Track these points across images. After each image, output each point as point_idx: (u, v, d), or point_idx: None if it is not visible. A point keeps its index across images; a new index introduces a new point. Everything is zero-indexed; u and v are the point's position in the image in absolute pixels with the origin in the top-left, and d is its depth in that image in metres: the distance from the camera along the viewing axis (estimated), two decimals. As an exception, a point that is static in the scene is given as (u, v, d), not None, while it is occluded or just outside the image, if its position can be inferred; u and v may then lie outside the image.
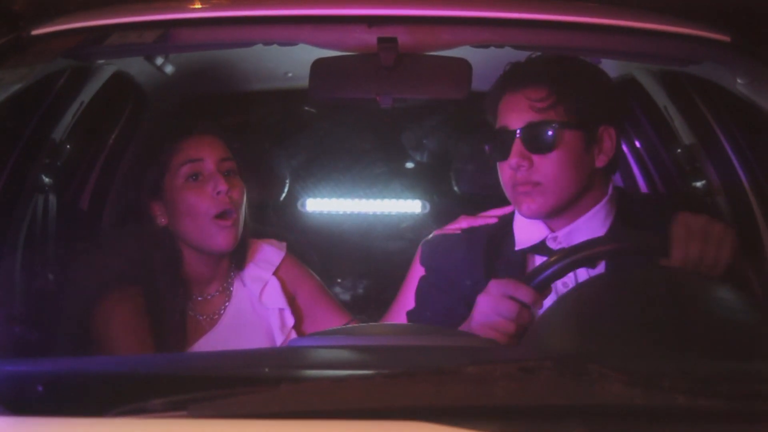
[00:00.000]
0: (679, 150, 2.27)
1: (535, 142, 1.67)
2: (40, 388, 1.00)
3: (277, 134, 2.72)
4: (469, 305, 1.51)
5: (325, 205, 2.84)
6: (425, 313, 1.77)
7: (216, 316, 1.99)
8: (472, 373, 0.95)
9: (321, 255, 2.23)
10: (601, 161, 1.72)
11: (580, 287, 1.38)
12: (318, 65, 1.80)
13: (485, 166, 2.26)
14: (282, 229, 2.23)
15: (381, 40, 1.69)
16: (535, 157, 1.67)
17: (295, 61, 2.25)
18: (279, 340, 1.96)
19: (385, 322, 1.85)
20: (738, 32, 1.81)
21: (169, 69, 2.34)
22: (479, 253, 1.77)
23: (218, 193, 1.88)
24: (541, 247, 1.74)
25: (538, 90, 1.68)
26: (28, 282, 1.95)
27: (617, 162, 1.79)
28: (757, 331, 1.26)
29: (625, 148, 2.55)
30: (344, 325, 2.05)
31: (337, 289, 2.62)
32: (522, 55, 1.88)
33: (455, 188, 2.39)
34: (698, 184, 2.22)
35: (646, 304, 1.27)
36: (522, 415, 0.93)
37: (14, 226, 1.96)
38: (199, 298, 1.99)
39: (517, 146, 1.67)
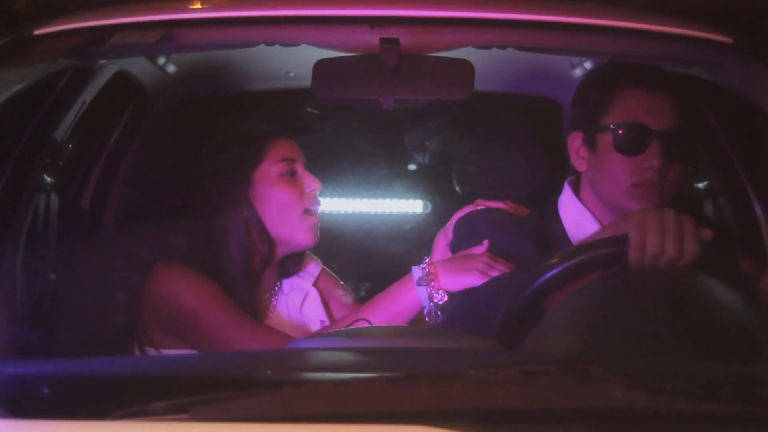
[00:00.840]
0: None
1: (674, 147, 1.69)
2: (45, 390, 1.00)
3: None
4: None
5: (326, 204, 2.84)
6: None
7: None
8: (475, 376, 0.94)
9: (323, 255, 2.23)
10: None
11: (580, 290, 1.38)
12: (320, 66, 1.80)
13: (487, 167, 2.27)
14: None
15: (383, 41, 1.69)
16: (668, 162, 1.70)
17: (297, 61, 2.25)
18: None
19: (387, 325, 1.84)
20: (740, 34, 1.81)
21: (171, 69, 2.33)
22: (529, 232, 1.79)
23: (311, 190, 1.99)
24: None
25: (677, 99, 1.71)
26: (30, 282, 1.95)
27: None
28: (760, 334, 1.26)
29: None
30: (354, 320, 2.07)
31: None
32: (523, 56, 1.88)
33: (457, 189, 2.39)
34: (698, 184, 2.22)
35: (648, 307, 1.27)
36: (524, 419, 0.93)
37: (16, 226, 1.96)
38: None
39: (657, 147, 1.69)
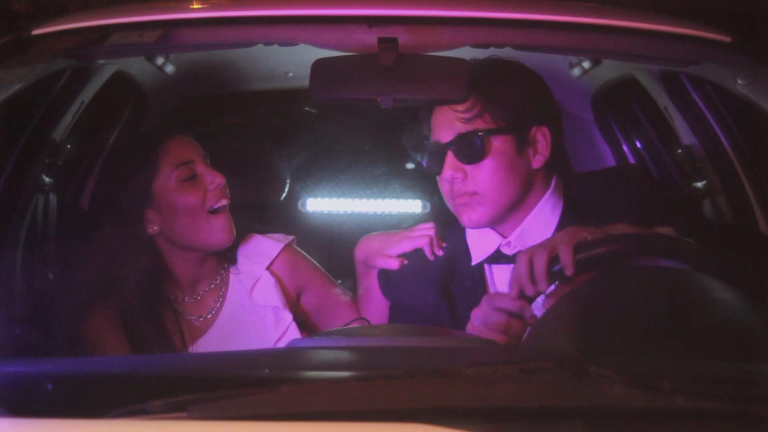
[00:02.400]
0: (679, 150, 2.27)
1: (466, 152, 1.71)
2: (45, 389, 1.00)
3: (277, 134, 2.71)
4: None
5: (325, 204, 2.83)
6: None
7: (210, 315, 1.99)
8: (473, 374, 0.95)
9: (322, 255, 2.23)
10: (537, 162, 1.74)
11: (579, 288, 1.38)
12: (318, 65, 1.79)
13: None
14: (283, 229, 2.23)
15: (381, 41, 1.69)
16: (468, 168, 1.71)
17: (295, 61, 2.25)
18: (273, 339, 1.95)
19: (386, 324, 1.85)
20: (739, 33, 1.81)
21: (169, 69, 2.33)
22: (435, 279, 1.80)
23: (215, 186, 1.92)
24: (497, 256, 1.77)
25: (461, 104, 1.72)
26: (28, 282, 1.95)
27: (558, 159, 1.80)
28: (758, 332, 1.26)
29: (625, 148, 2.55)
30: (352, 319, 2.05)
31: (338, 291, 2.61)
32: (521, 55, 1.88)
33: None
34: (698, 184, 2.22)
35: (646, 306, 1.27)
36: (522, 417, 0.93)
37: (15, 226, 1.96)
38: (187, 299, 1.98)
39: (450, 159, 1.72)
